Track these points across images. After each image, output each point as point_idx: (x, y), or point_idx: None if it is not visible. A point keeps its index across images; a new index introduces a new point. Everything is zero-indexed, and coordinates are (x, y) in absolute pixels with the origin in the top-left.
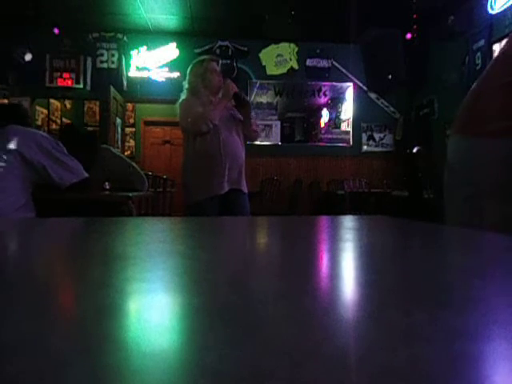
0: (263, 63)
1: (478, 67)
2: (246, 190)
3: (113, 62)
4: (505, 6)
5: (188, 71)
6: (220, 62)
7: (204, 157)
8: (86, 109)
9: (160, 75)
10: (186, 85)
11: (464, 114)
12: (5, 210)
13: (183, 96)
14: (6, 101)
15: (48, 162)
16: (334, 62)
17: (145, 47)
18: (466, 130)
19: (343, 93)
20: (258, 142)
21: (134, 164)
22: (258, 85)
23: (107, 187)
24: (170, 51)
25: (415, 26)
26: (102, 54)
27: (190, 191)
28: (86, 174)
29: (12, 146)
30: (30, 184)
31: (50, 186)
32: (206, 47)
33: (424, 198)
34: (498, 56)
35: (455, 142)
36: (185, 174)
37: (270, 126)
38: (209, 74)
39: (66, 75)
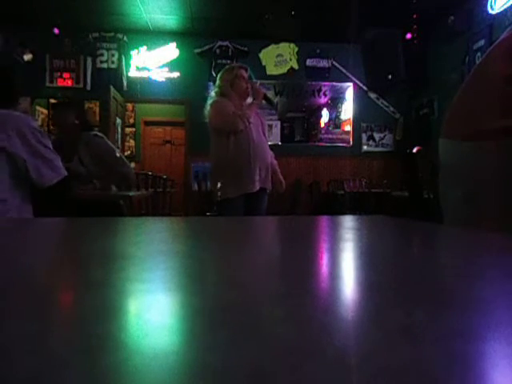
0: (263, 63)
1: None
2: (270, 188)
3: (113, 62)
4: (505, 6)
5: (218, 77)
6: (248, 69)
7: (237, 157)
8: (85, 109)
9: (160, 75)
10: (215, 89)
11: (456, 116)
12: None
13: (212, 99)
14: None
15: (27, 156)
16: (334, 62)
17: (145, 47)
18: (458, 134)
19: (343, 93)
20: None
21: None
22: (257, 85)
23: (97, 185)
24: (170, 51)
25: (415, 26)
26: (102, 54)
27: (222, 188)
28: (66, 172)
29: None
30: (20, 181)
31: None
32: (206, 47)
33: (424, 197)
34: (494, 51)
35: (446, 146)
36: (217, 171)
37: (270, 126)
38: (237, 80)
39: (66, 75)
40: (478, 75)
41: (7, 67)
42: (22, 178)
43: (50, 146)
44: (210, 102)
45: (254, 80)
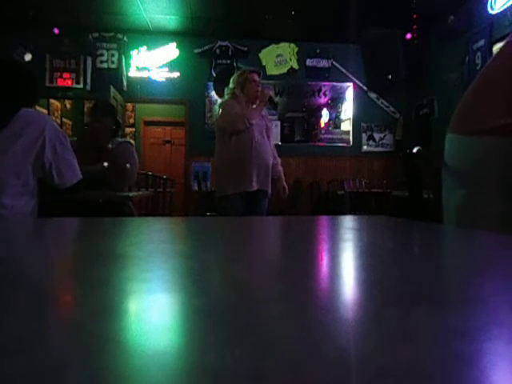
0: (263, 63)
1: (477, 67)
2: (270, 191)
3: (113, 62)
4: (505, 6)
5: (231, 80)
6: (261, 73)
7: (237, 156)
8: (85, 109)
9: (160, 75)
10: (227, 91)
11: (463, 111)
12: (15, 210)
13: (223, 100)
14: None
15: (53, 159)
16: (334, 62)
17: (145, 47)
18: (464, 129)
19: (343, 93)
20: None
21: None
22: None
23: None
24: (170, 51)
25: (415, 26)
26: (102, 54)
27: (221, 185)
28: (81, 175)
29: (20, 136)
30: (34, 185)
31: (49, 185)
32: (206, 47)
33: (424, 197)
34: (504, 48)
35: (452, 141)
36: (218, 169)
37: None
38: (248, 84)
39: (66, 75)
40: (488, 72)
41: (25, 64)
42: (37, 180)
43: (70, 147)
44: (220, 102)
45: None
